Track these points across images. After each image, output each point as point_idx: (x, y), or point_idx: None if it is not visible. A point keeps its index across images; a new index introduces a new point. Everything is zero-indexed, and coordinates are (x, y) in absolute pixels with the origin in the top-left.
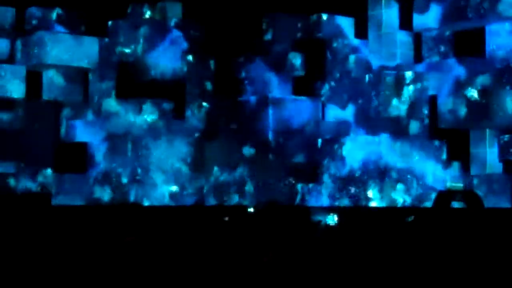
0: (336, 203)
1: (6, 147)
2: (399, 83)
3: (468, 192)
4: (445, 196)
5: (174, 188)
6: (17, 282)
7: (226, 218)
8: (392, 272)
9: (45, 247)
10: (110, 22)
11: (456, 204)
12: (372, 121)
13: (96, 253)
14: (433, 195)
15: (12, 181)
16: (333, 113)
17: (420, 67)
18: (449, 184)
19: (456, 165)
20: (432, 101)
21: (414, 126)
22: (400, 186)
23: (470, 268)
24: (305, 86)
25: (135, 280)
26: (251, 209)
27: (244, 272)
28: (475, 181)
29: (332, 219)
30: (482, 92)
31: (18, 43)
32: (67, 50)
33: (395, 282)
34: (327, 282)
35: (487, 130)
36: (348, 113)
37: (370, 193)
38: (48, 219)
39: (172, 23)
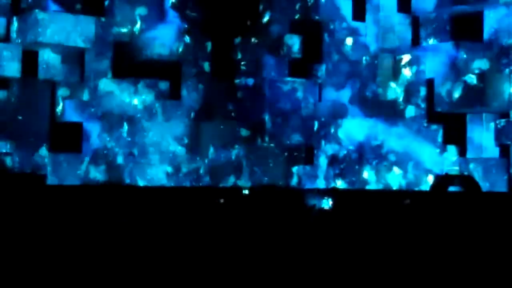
0: (332, 185)
1: (0, 126)
2: (396, 66)
3: (466, 177)
4: (442, 180)
5: (169, 168)
6: (10, 263)
7: (221, 200)
8: (388, 257)
9: (39, 227)
10: (106, 1)
11: (453, 189)
12: (369, 104)
13: (90, 234)
14: (429, 179)
15: (7, 160)
16: (330, 95)
17: (417, 51)
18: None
19: (452, 148)
20: (429, 85)
21: (410, 110)
22: (396, 169)
23: (467, 252)
24: (301, 69)
25: (128, 262)
26: (246, 191)
27: (238, 257)
28: (471, 165)
29: (326, 203)
30: (479, 76)
31: (14, 22)
32: (63, 29)
33: (391, 267)
34: (321, 267)
35: (484, 114)
36: (345, 95)
37: (366, 175)
38: (43, 199)
39: (169, 3)
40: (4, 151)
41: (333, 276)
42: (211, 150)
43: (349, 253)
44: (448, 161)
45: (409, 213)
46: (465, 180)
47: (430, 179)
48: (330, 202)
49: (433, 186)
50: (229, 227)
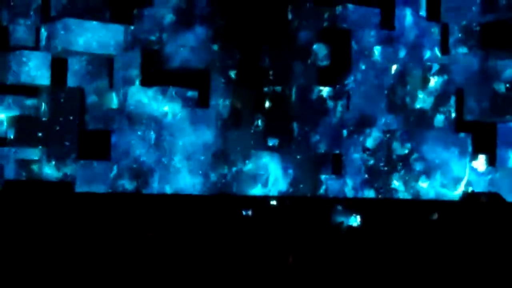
0: (360, 195)
1: (30, 133)
2: (425, 75)
3: (493, 194)
4: (469, 197)
5: (198, 176)
6: (37, 270)
7: (249, 212)
8: (416, 268)
9: (66, 235)
10: (135, 10)
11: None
12: (398, 113)
13: (116, 245)
14: (457, 189)
15: (36, 168)
16: (358, 104)
17: (446, 59)
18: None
19: (481, 158)
20: (458, 94)
21: (439, 118)
22: (425, 179)
23: (495, 263)
24: (330, 77)
25: (152, 273)
26: (273, 202)
27: (264, 270)
28: (500, 175)
29: (354, 220)
30: (510, 85)
31: (43, 30)
32: (92, 37)
33: (418, 279)
34: (347, 283)
35: None
36: (373, 103)
37: (395, 184)
38: (71, 207)
39: (198, 12)
40: (33, 158)
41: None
42: (239, 158)
43: (376, 267)
44: (477, 170)
45: (437, 225)
46: (492, 197)
47: (460, 190)
48: (358, 219)
49: (461, 202)
50: (256, 238)
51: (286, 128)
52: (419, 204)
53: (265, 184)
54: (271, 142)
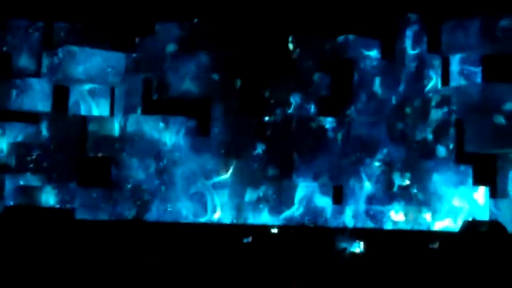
0: (360, 224)
1: (31, 160)
2: (426, 106)
3: (494, 222)
4: (470, 225)
5: (198, 205)
6: None
7: (250, 239)
8: None
9: (66, 261)
10: (137, 39)
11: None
12: (398, 143)
13: (117, 272)
14: (458, 220)
15: (37, 194)
16: (359, 133)
17: (447, 90)
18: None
19: (482, 189)
20: (458, 125)
21: (440, 149)
22: (425, 209)
23: None
24: (331, 107)
25: None
26: (274, 230)
27: None
28: (501, 205)
29: (358, 246)
30: (509, 117)
31: (45, 58)
32: (93, 65)
33: None
34: None
35: None
36: (374, 133)
37: (394, 215)
38: (71, 233)
39: (199, 42)
40: (34, 185)
41: None
42: (239, 187)
43: None
44: (478, 201)
45: (438, 255)
46: (493, 225)
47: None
48: (362, 245)
49: (462, 231)
50: (257, 266)
51: (287, 158)
52: (420, 234)
53: (265, 213)
54: (271, 173)
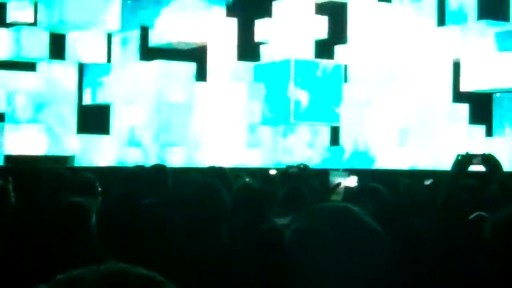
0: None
1: (32, 109)
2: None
3: (487, 156)
4: (463, 159)
5: (197, 150)
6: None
7: (247, 179)
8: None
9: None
10: None
11: (474, 167)
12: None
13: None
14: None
15: (38, 142)
16: (356, 75)
17: (443, 30)
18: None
19: (479, 128)
20: (455, 65)
21: (436, 89)
22: (421, 149)
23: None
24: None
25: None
26: (273, 172)
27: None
28: (497, 145)
29: (352, 181)
30: (507, 56)
31: (41, 5)
32: (90, 12)
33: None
34: None
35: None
36: (371, 73)
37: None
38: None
39: None
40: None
41: None
42: None
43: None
44: (474, 140)
45: (430, 192)
46: (486, 158)
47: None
48: (356, 179)
49: (454, 165)
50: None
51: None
52: (413, 173)
53: None
54: None
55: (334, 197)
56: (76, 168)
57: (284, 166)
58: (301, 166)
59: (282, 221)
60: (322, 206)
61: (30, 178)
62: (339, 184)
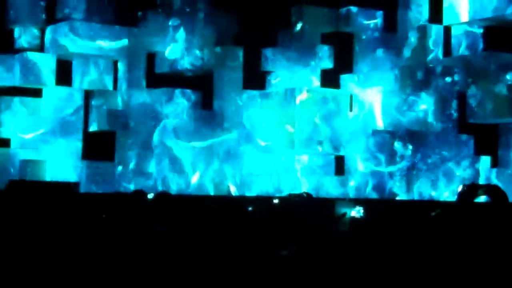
0: (363, 196)
1: (38, 134)
2: (428, 77)
3: (493, 187)
4: (469, 189)
5: (201, 177)
6: (42, 270)
7: (250, 208)
8: (414, 266)
9: (72, 235)
10: (139, 13)
11: (480, 199)
12: (401, 114)
13: (124, 242)
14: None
15: (42, 168)
16: (360, 105)
17: (449, 61)
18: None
19: (484, 159)
20: (461, 96)
21: (442, 120)
22: (427, 180)
23: (493, 262)
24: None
25: (160, 270)
26: (276, 201)
27: (264, 266)
28: (502, 176)
29: (358, 212)
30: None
31: (48, 31)
32: (97, 39)
33: (418, 276)
34: (348, 277)
35: None
36: (377, 104)
37: (397, 187)
38: (76, 206)
39: (202, 14)
40: (40, 159)
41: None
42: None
43: (378, 264)
44: (479, 172)
45: (437, 223)
46: (492, 190)
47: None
48: (362, 211)
49: (460, 196)
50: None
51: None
52: (420, 204)
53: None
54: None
55: (341, 227)
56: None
57: (287, 195)
58: (304, 194)
59: (285, 252)
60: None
61: None
62: (344, 214)
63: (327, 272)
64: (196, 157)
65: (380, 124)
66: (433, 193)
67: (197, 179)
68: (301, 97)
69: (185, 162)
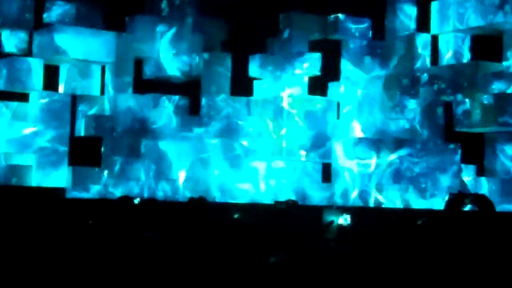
0: (349, 204)
1: (24, 139)
2: (415, 85)
3: (480, 196)
4: (456, 199)
5: (190, 182)
6: (29, 276)
7: (236, 216)
8: (401, 274)
9: (58, 240)
10: (127, 18)
11: (467, 208)
12: (387, 122)
13: (111, 247)
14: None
15: (28, 174)
16: (347, 113)
17: (436, 70)
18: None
19: (470, 168)
20: (447, 104)
21: (428, 129)
22: (413, 189)
23: (480, 272)
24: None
25: (147, 275)
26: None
27: (251, 273)
28: (488, 185)
29: (345, 220)
30: (497, 96)
31: (36, 36)
32: (84, 44)
33: (405, 285)
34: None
35: (502, 134)
36: (364, 111)
37: (383, 196)
38: (62, 212)
39: (190, 20)
40: (26, 164)
41: None
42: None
43: (364, 271)
44: (466, 180)
45: (423, 232)
46: (479, 199)
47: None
48: (348, 219)
49: (447, 205)
50: (245, 242)
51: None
52: (406, 213)
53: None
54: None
55: (328, 235)
56: None
57: (273, 202)
58: (290, 202)
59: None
60: None
61: None
62: (332, 222)
63: (315, 279)
64: (183, 163)
65: (366, 132)
66: (420, 201)
67: (183, 184)
68: (288, 104)
69: (171, 167)
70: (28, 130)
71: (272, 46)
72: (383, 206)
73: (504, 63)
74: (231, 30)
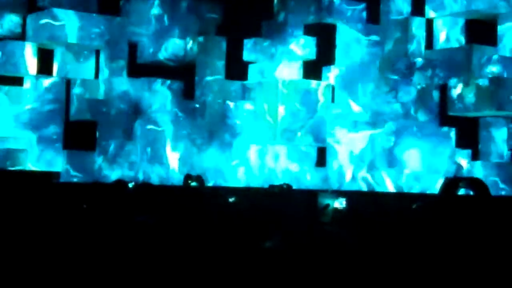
0: (344, 188)
1: (18, 123)
2: (410, 69)
3: (475, 180)
4: (451, 183)
5: (183, 167)
6: (21, 262)
7: (231, 200)
8: (396, 259)
9: (52, 225)
10: (121, 1)
11: (462, 191)
12: (382, 107)
13: (105, 232)
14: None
15: (22, 157)
16: (343, 97)
17: (431, 54)
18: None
19: (464, 152)
20: (442, 88)
21: (423, 113)
22: (408, 173)
23: (475, 256)
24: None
25: (141, 261)
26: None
27: (246, 258)
28: (483, 169)
29: (341, 203)
30: (493, 80)
31: (30, 20)
32: (79, 28)
33: (400, 270)
34: (330, 269)
35: (497, 119)
36: (359, 97)
37: (378, 179)
38: (56, 196)
39: (185, 3)
40: (20, 147)
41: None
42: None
43: (360, 257)
44: (460, 164)
45: (418, 216)
46: (474, 183)
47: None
48: (344, 202)
49: (442, 189)
50: (239, 227)
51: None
52: (401, 197)
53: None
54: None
55: (323, 219)
56: None
57: (267, 186)
58: (284, 186)
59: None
60: None
61: None
62: (327, 205)
63: (311, 264)
64: (178, 147)
65: (361, 116)
66: (415, 185)
67: (178, 169)
68: (283, 87)
69: (166, 152)
70: (22, 114)
71: (267, 30)
72: (376, 190)
73: (499, 47)
74: (226, 14)
